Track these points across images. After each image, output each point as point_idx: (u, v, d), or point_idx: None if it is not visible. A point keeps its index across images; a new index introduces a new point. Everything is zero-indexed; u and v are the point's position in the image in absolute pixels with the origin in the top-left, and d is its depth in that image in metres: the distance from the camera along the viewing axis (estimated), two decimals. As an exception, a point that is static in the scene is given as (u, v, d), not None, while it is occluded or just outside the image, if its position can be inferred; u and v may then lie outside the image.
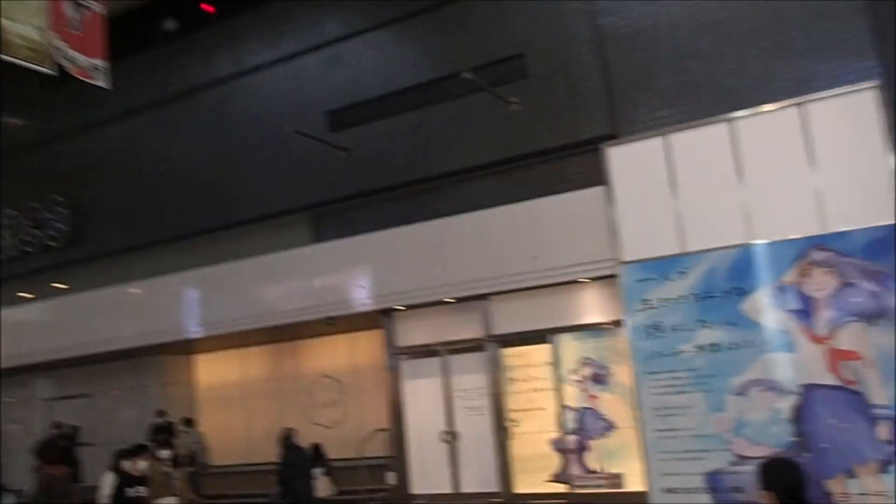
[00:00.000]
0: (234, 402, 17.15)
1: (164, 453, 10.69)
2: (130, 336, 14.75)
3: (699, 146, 9.93)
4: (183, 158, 14.69)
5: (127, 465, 7.84)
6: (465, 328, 11.96)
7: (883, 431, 8.45)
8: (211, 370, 17.75)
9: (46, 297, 16.47)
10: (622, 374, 10.67)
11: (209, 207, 14.17)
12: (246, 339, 15.73)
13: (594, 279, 10.83)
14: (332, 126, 12.97)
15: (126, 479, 7.76)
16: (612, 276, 10.48)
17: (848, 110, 9.15)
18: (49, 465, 14.55)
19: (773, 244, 9.28)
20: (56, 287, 16.40)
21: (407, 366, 12.57)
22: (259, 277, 13.43)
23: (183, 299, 14.32)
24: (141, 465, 7.97)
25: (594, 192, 10.69)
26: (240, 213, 13.85)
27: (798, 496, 2.80)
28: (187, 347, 16.61)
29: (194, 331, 14.12)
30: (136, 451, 8.19)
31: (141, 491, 7.82)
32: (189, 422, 15.02)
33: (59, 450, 14.97)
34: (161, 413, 15.40)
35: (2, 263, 16.80)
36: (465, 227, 11.62)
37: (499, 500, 11.32)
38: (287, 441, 11.10)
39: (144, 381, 17.20)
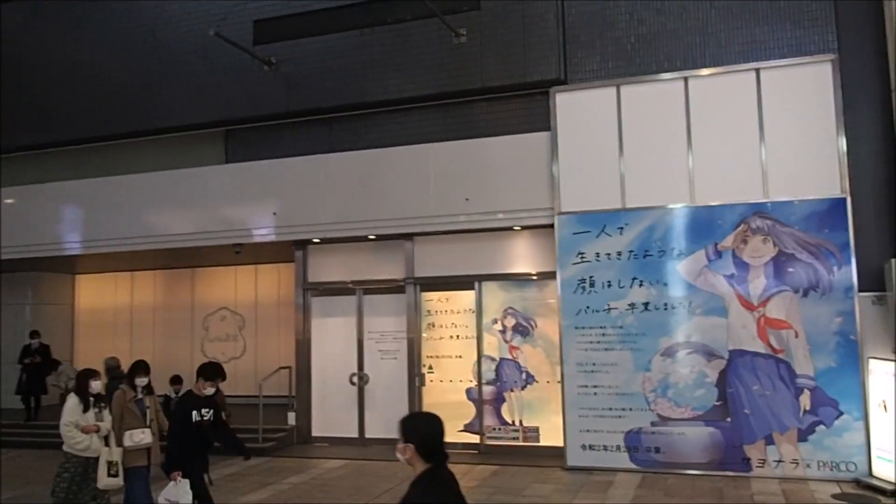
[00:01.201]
0: (117, 329, 16.23)
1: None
2: (5, 247, 13.28)
3: (650, 101, 9.63)
4: (92, 56, 13.17)
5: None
6: (385, 268, 11.41)
7: (805, 401, 8.53)
8: (95, 292, 16.65)
9: None
10: (546, 327, 10.40)
11: (116, 112, 12.81)
12: (138, 261, 14.77)
13: (528, 228, 10.45)
14: (258, 37, 11.87)
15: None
16: (547, 227, 10.12)
17: (803, 80, 9.05)
18: None
19: (713, 208, 9.14)
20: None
21: (318, 303, 11.91)
22: (159, 194, 12.30)
23: (69, 210, 13.00)
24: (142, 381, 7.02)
25: (537, 138, 10.24)
26: (147, 122, 12.58)
27: (435, 447, 2.94)
28: (69, 265, 15.43)
29: (76, 246, 12.88)
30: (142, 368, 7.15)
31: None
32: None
33: None
34: (35, 334, 14.11)
35: None
36: (396, 161, 10.94)
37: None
38: (113, 371, 10.57)
39: (18, 298, 15.92)
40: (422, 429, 2.99)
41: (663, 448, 9.03)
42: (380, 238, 11.21)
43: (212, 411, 6.26)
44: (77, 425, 6.82)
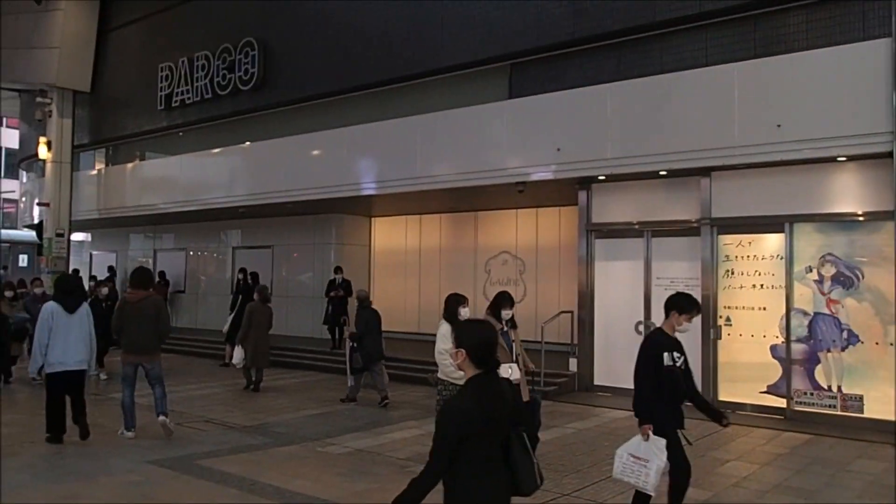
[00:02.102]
0: (407, 270, 16.87)
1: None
2: (310, 189, 14.36)
3: None
4: (369, 5, 13.58)
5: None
6: (677, 207, 10.35)
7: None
8: (388, 234, 17.47)
9: (229, 144, 16.43)
10: (876, 278, 8.64)
11: (399, 56, 13.12)
12: (425, 203, 15.13)
13: (855, 158, 8.70)
14: (541, -37, 11.23)
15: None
16: (881, 156, 8.31)
17: None
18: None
19: None
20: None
21: (602, 246, 11.20)
22: (443, 134, 12.37)
23: (363, 153, 13.61)
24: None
25: (872, 48, 8.39)
26: (435, 61, 12.66)
27: (486, 353, 2.97)
28: (366, 208, 16.32)
29: (371, 187, 13.44)
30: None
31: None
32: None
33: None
34: (338, 269, 15.17)
35: (192, 105, 16.82)
36: (692, 86, 9.74)
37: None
38: (364, 302, 10.54)
39: (323, 239, 17.17)
40: (474, 335, 3.01)
41: None
42: (672, 174, 10.14)
43: (683, 357, 4.92)
44: (449, 352, 6.40)
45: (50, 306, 7.48)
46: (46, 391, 7.51)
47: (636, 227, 10.74)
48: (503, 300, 6.67)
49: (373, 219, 17.68)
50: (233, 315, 13.62)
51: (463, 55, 12.22)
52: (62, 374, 7.38)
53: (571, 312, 11.66)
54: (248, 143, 16.05)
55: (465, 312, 6.36)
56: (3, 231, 33.40)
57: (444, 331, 6.19)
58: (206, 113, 16.70)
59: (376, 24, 13.50)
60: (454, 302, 6.42)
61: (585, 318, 11.20)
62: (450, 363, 6.00)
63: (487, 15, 11.93)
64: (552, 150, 10.94)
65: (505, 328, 6.50)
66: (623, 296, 10.87)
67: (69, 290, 7.56)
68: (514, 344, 6.50)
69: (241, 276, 15.57)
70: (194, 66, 16.67)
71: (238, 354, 11.13)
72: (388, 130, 13.19)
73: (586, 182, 11.12)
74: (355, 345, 10.17)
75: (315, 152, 14.56)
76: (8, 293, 11.50)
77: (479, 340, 3.00)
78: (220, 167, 16.57)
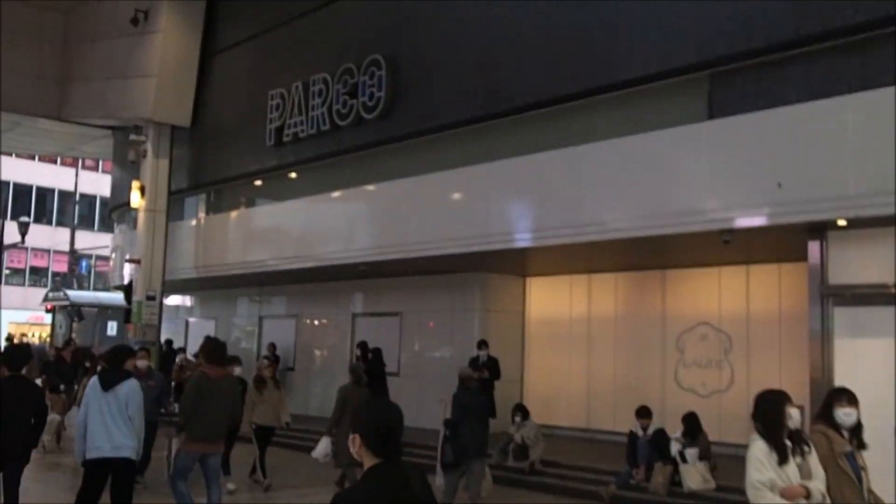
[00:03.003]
0: (572, 345, 16.53)
1: None
2: (448, 241, 14.28)
3: None
4: (523, 9, 13.51)
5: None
6: None
7: None
8: (547, 298, 17.28)
9: (349, 185, 16.75)
10: None
11: (558, 71, 12.89)
12: (595, 258, 14.85)
13: None
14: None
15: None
16: None
17: None
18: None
19: None
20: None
21: (845, 317, 10.34)
22: (619, 169, 11.99)
23: (515, 195, 13.43)
24: None
25: None
26: (601, 77, 12.34)
27: (384, 440, 3.18)
28: (519, 265, 16.22)
29: (524, 238, 13.25)
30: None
31: None
32: (522, 410, 14.06)
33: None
34: (482, 344, 15.01)
35: (307, 140, 17.27)
36: None
37: None
38: (466, 382, 10.37)
39: (465, 304, 17.17)
40: (371, 417, 3.26)
41: None
42: None
43: None
44: (773, 486, 5.20)
45: (91, 382, 7.87)
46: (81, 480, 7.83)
47: (893, 290, 9.79)
48: (840, 396, 5.69)
49: (527, 279, 17.51)
50: None
51: (645, 65, 11.85)
52: (100, 462, 7.59)
53: (801, 408, 10.64)
54: (372, 185, 16.29)
55: (794, 415, 5.31)
56: (90, 294, 35.83)
57: (758, 451, 5.25)
58: (322, 148, 17.10)
59: (532, 32, 13.38)
60: (775, 402, 5.35)
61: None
62: (769, 499, 5.13)
63: (676, 13, 11.51)
64: (770, 186, 10.25)
65: (850, 447, 5.50)
66: (877, 388, 9.77)
67: (113, 363, 7.91)
68: (862, 473, 5.53)
69: (359, 351, 15.66)
70: (310, 92, 17.12)
71: (322, 447, 11.08)
72: (548, 165, 12.96)
73: (819, 229, 10.36)
74: (448, 434, 10.07)
75: (455, 195, 14.55)
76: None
77: (377, 423, 3.25)
78: (338, 214, 16.92)
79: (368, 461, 3.21)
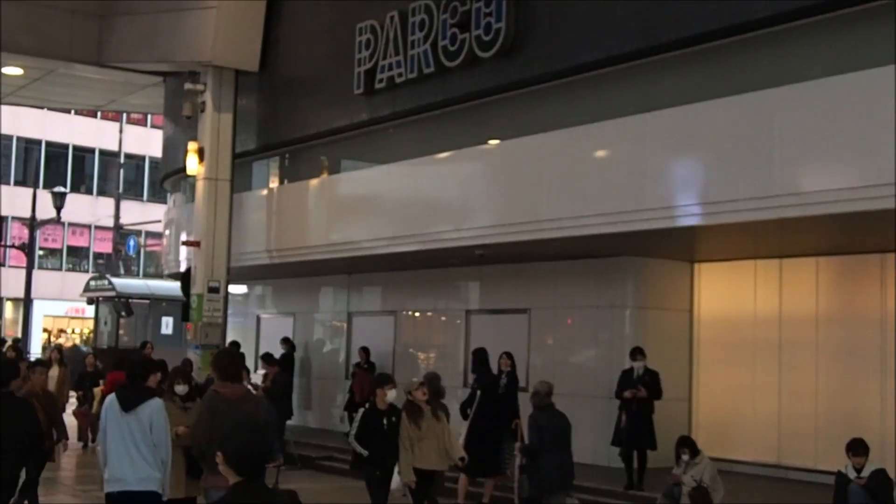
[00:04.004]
0: (756, 353, 16.25)
1: None
2: (590, 216, 14.22)
3: None
4: None
5: None
6: None
7: None
8: (723, 291, 17.08)
9: (461, 145, 16.73)
10: None
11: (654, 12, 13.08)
12: (791, 239, 14.67)
13: None
14: None
15: None
16: None
17: None
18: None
19: None
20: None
21: None
22: (818, 121, 11.81)
23: (679, 155, 13.43)
24: None
25: None
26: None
27: (244, 459, 4.19)
28: (685, 247, 16.19)
29: (693, 213, 13.17)
30: None
31: None
32: (690, 444, 13.68)
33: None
34: (637, 353, 14.80)
35: (406, 86, 17.26)
36: None
37: None
38: (542, 400, 11.03)
39: (612, 299, 17.04)
40: (234, 437, 4.29)
41: None
42: None
43: None
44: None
45: (107, 401, 8.20)
46: None
47: None
48: None
49: (697, 265, 17.37)
50: (470, 420, 14.11)
51: None
52: (123, 496, 7.89)
53: None
54: (490, 143, 16.25)
55: None
56: (140, 282, 36.65)
57: None
58: (426, 96, 17.10)
59: None
60: None
61: None
62: None
63: None
64: None
65: None
66: None
67: (133, 377, 8.24)
68: None
69: (478, 357, 15.60)
70: (409, 25, 17.08)
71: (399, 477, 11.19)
72: (722, 115, 12.87)
73: None
74: (524, 463, 10.59)
75: (600, 156, 14.50)
76: (179, 387, 11.03)
77: (239, 446, 4.22)
78: (447, 182, 16.97)
79: (232, 478, 4.21)
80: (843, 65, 11.81)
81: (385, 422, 10.86)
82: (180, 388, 9.75)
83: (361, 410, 11.28)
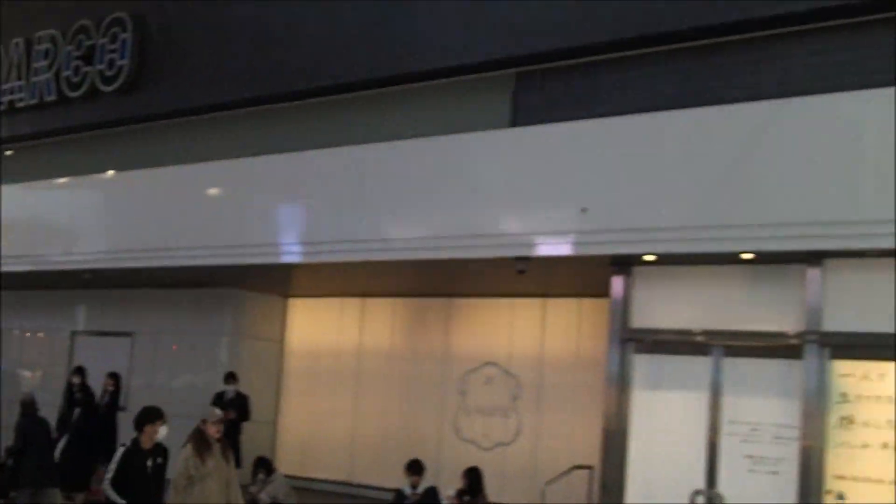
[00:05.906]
0: (339, 380, 16.41)
1: None
2: (196, 249, 13.93)
3: None
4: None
5: None
6: (765, 312, 10.04)
7: None
8: (312, 325, 17.19)
9: (77, 172, 16.14)
10: None
11: (345, 53, 12.94)
12: (373, 281, 14.88)
13: None
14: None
15: None
16: None
17: None
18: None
19: None
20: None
21: (644, 365, 10.83)
22: (406, 177, 12.11)
23: (282, 198, 13.34)
24: None
25: None
26: (391, 66, 12.52)
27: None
28: (281, 283, 16.12)
29: (291, 251, 13.13)
30: None
31: None
32: (266, 464, 14.24)
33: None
34: (231, 377, 14.89)
35: (27, 111, 16.64)
36: (805, 114, 9.39)
37: None
38: (27, 408, 11.84)
39: (213, 326, 16.89)
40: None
41: None
42: (763, 259, 9.86)
43: None
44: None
45: None
46: None
47: (700, 338, 10.39)
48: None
49: (290, 300, 17.43)
50: (65, 440, 13.64)
51: (443, 56, 12.10)
52: None
53: (590, 469, 11.08)
54: (106, 173, 15.77)
55: None
56: None
57: None
58: (46, 123, 16.62)
59: (315, 7, 13.48)
60: None
61: (613, 478, 10.69)
62: None
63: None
64: (574, 210, 10.60)
65: None
66: (675, 446, 10.45)
67: None
68: None
69: (76, 379, 15.36)
70: (33, 53, 16.57)
71: None
72: (323, 165, 12.92)
73: (624, 263, 10.80)
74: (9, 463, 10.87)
75: (208, 194, 14.22)
76: None
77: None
78: (62, 207, 16.24)
79: None
80: (428, 130, 12.17)
81: (150, 463, 9.35)
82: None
83: (121, 449, 9.37)
